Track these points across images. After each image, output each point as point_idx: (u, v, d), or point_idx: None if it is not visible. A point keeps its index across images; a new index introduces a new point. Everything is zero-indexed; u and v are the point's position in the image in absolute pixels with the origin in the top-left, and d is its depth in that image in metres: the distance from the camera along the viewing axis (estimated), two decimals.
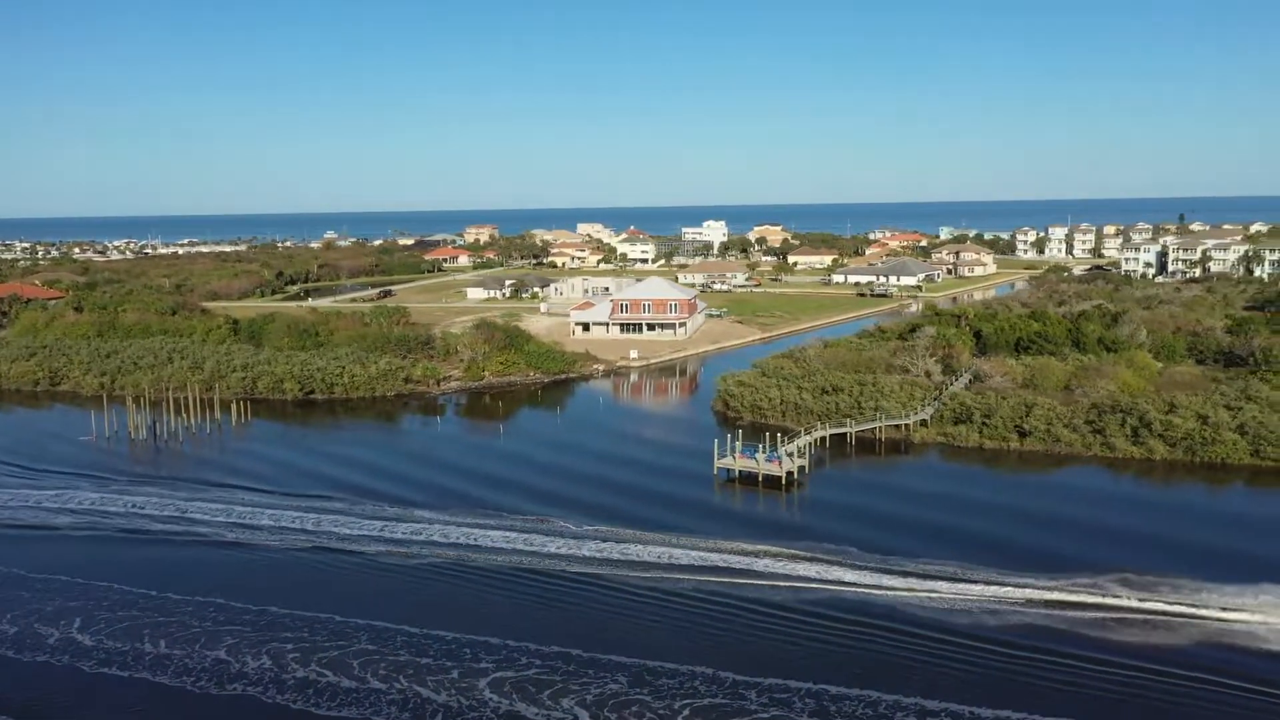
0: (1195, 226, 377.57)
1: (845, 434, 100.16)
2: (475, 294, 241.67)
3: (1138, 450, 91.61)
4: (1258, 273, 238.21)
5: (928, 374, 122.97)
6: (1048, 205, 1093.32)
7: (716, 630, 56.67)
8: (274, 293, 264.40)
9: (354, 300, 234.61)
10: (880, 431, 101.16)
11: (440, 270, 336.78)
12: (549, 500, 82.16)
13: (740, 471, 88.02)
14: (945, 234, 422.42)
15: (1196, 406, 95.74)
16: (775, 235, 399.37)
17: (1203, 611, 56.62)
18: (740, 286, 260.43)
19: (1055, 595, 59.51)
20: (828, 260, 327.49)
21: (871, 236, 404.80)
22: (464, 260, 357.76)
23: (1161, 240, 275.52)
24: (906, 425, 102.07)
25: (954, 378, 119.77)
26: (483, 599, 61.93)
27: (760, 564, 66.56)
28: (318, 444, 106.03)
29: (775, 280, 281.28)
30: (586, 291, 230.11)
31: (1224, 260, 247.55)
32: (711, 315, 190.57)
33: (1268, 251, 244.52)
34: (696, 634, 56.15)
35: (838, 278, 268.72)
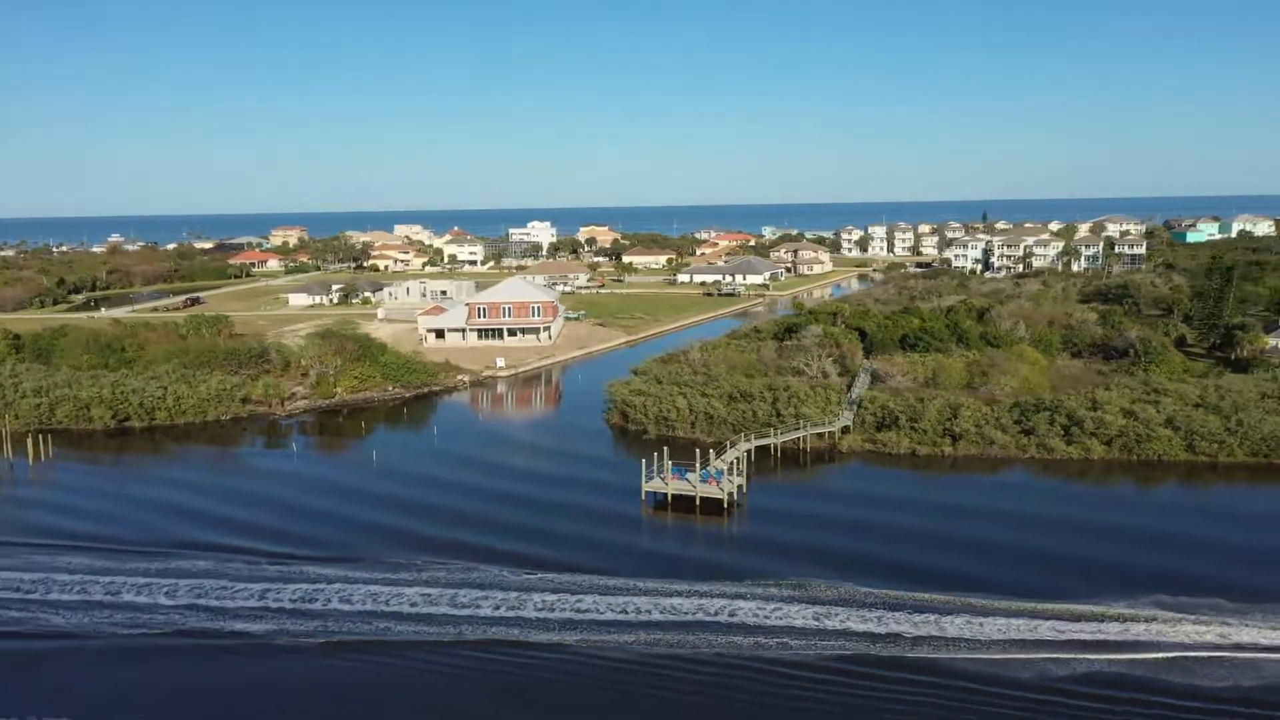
0: (1000, 225, 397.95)
1: (768, 446, 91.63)
2: (298, 300, 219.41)
3: (1074, 450, 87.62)
4: (1075, 268, 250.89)
5: (824, 374, 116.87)
6: (859, 208, 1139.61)
7: (753, 706, 45.53)
8: (56, 303, 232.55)
9: (157, 309, 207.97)
10: (805, 441, 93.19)
11: (249, 275, 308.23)
12: (458, 534, 69.30)
13: (673, 495, 77.52)
14: (769, 233, 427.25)
15: (1118, 402, 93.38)
16: (605, 235, 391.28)
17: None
18: (584, 288, 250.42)
19: (1108, 633, 51.88)
20: (663, 260, 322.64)
21: (700, 236, 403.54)
22: (275, 264, 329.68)
23: (985, 238, 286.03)
24: (831, 433, 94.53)
25: (852, 379, 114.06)
26: (429, 690, 48.11)
27: (746, 609, 56.19)
28: (150, 484, 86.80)
29: (618, 281, 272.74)
30: (425, 295, 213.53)
31: (1045, 256, 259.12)
32: (570, 318, 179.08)
33: (1084, 248, 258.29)
34: (735, 715, 44.86)
35: (682, 277, 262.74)
